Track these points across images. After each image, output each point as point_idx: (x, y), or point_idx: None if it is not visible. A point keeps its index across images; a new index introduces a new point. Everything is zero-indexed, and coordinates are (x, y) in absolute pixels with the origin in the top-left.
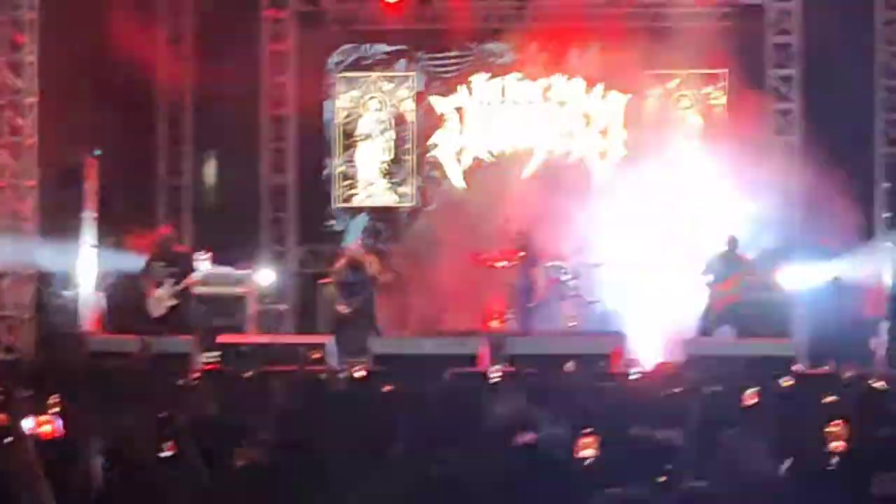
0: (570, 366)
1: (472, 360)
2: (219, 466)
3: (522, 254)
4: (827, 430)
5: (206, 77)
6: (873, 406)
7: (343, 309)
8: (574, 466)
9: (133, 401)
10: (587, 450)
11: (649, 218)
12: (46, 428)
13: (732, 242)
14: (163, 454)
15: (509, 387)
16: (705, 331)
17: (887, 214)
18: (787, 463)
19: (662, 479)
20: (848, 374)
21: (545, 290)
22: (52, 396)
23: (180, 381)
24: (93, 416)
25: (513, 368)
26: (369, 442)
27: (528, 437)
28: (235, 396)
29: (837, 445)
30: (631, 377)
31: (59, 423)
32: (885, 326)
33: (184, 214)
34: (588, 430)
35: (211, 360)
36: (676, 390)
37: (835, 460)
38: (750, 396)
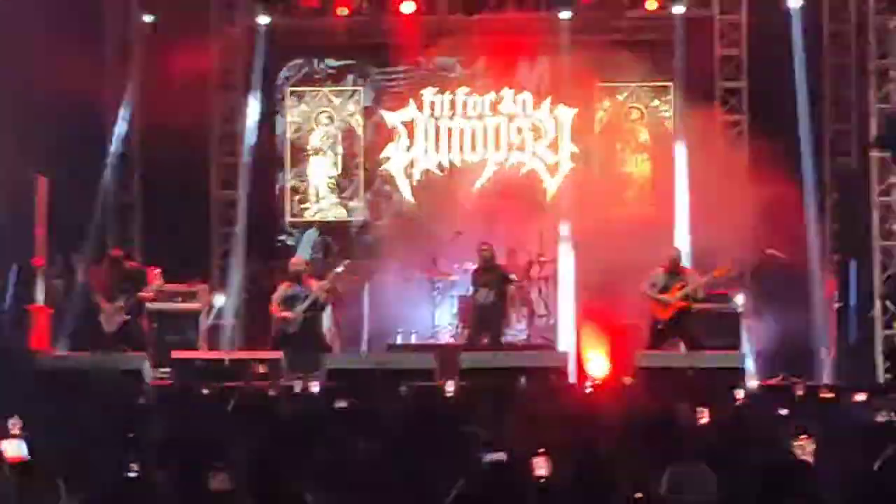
0: (522, 382)
1: (428, 374)
2: (187, 488)
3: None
4: (796, 444)
5: (155, 93)
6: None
7: (289, 317)
8: (534, 485)
9: (92, 420)
10: (542, 468)
11: (599, 230)
12: (11, 451)
13: (677, 255)
14: (129, 475)
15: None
16: (654, 343)
17: (836, 225)
18: None
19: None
20: (798, 386)
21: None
22: (13, 419)
23: (141, 400)
24: (54, 438)
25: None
26: (327, 459)
27: (496, 455)
28: (194, 414)
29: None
30: (585, 390)
31: (24, 446)
32: (832, 338)
33: (134, 231)
34: (543, 448)
35: (163, 376)
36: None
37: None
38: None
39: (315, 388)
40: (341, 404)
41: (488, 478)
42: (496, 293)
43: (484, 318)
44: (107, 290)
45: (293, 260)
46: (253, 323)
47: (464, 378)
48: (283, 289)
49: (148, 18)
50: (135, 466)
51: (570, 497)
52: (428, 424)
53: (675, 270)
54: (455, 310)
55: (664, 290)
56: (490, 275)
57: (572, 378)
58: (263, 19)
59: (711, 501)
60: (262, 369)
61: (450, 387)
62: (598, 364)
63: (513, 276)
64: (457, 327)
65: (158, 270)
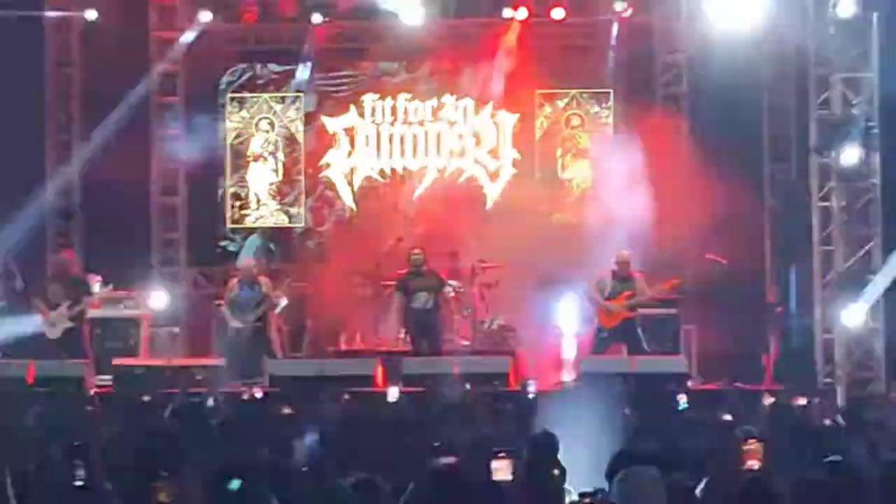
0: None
1: (369, 380)
2: (134, 496)
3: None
4: (744, 447)
5: (94, 99)
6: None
7: (237, 324)
8: (491, 490)
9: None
10: (501, 473)
11: (541, 236)
12: None
13: (627, 259)
14: (76, 483)
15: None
16: (598, 348)
17: (776, 230)
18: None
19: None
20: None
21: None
22: None
23: (88, 407)
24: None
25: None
26: (272, 465)
27: (447, 460)
28: (136, 421)
29: (753, 464)
30: (529, 396)
31: None
32: (772, 342)
33: (74, 237)
34: (501, 452)
35: (104, 383)
36: None
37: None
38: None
39: (259, 394)
40: (285, 411)
41: (438, 481)
42: (434, 298)
43: (422, 324)
44: (49, 293)
45: (244, 263)
46: (195, 330)
47: (408, 384)
48: (231, 288)
49: (91, 15)
50: (81, 474)
51: (520, 499)
52: (370, 430)
53: (624, 276)
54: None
55: (611, 296)
56: (425, 280)
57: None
58: (205, 17)
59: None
60: (199, 376)
61: (393, 393)
62: (543, 369)
63: (452, 283)
64: (400, 333)
65: (99, 277)
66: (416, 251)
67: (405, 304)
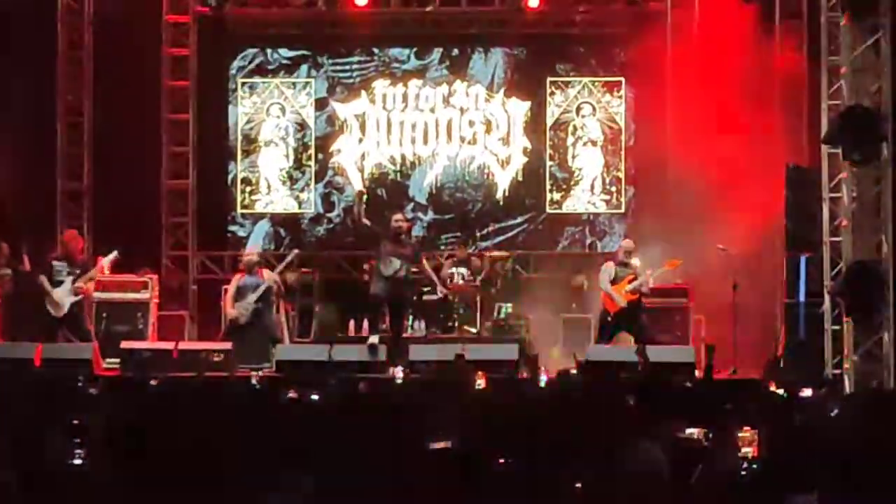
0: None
1: (378, 365)
2: (133, 474)
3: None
4: (740, 435)
5: (106, 82)
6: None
7: (232, 313)
8: (489, 473)
9: (38, 407)
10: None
11: (552, 223)
12: None
13: (629, 247)
14: (74, 462)
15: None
16: (603, 335)
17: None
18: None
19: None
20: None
21: None
22: None
23: (91, 389)
24: None
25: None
26: (278, 450)
27: (441, 443)
28: (143, 403)
29: (749, 451)
30: (540, 383)
31: None
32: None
33: (83, 220)
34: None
35: (112, 366)
36: None
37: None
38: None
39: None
40: (290, 395)
41: (437, 465)
42: (407, 270)
43: (390, 291)
44: (54, 271)
45: (246, 251)
46: (204, 314)
47: (413, 370)
48: (236, 279)
49: None
50: (80, 453)
51: (519, 485)
52: (377, 413)
53: (626, 263)
54: None
55: (614, 282)
56: (402, 248)
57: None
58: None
59: (657, 472)
60: (216, 358)
61: (399, 374)
62: (551, 357)
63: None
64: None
65: (112, 256)
66: (397, 217)
67: (376, 269)
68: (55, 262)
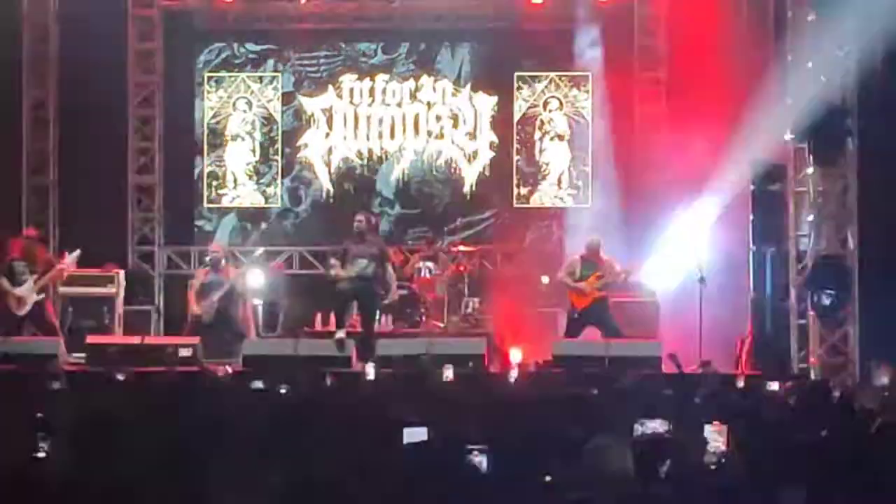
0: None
1: (345, 360)
2: (100, 468)
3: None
4: (710, 430)
5: (72, 75)
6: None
7: (196, 310)
8: (463, 467)
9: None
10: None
11: (518, 218)
12: None
13: (596, 243)
14: (36, 455)
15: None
16: (570, 330)
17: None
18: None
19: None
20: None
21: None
22: None
23: (55, 384)
24: None
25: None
26: (247, 445)
27: (417, 436)
28: (109, 398)
29: (718, 446)
30: (510, 378)
31: None
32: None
33: (49, 215)
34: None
35: (78, 361)
36: None
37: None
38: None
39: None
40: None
41: (413, 459)
42: (374, 267)
43: (356, 290)
44: (14, 270)
45: (212, 247)
46: (170, 309)
47: (383, 365)
48: (200, 275)
49: None
50: (44, 447)
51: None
52: (349, 408)
53: (593, 259)
54: None
55: (582, 278)
56: (366, 247)
57: (501, 365)
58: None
59: (628, 469)
60: (185, 353)
61: (370, 370)
62: (517, 353)
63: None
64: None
65: (76, 255)
66: (359, 217)
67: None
68: (14, 263)
